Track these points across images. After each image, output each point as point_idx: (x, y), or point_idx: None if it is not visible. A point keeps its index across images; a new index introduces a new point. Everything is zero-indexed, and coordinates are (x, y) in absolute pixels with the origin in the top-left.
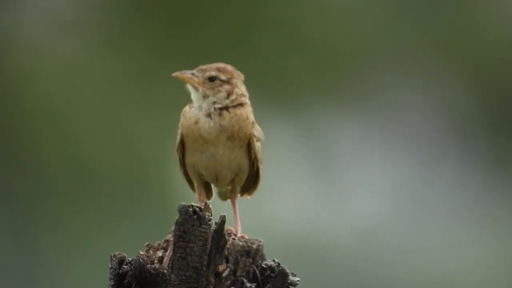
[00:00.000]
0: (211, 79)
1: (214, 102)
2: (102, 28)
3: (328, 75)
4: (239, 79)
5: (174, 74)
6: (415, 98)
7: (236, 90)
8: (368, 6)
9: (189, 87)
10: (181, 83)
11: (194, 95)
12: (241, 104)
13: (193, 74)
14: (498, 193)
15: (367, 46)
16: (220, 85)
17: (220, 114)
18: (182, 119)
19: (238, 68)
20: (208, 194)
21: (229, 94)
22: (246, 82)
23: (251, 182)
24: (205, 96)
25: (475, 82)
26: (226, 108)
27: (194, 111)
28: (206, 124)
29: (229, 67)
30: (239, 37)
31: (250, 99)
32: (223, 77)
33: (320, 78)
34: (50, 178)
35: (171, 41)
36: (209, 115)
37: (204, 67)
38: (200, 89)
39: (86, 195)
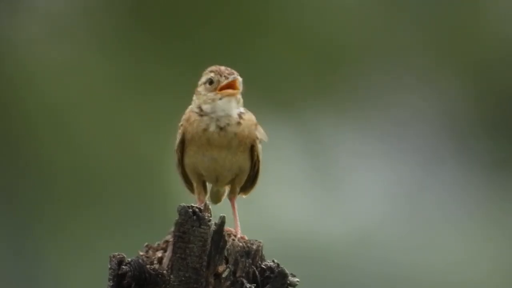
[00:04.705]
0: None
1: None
2: (100, 31)
3: (327, 78)
4: None
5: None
6: (414, 99)
7: None
8: (367, 8)
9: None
10: (179, 85)
11: (228, 102)
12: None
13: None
14: (496, 195)
15: (366, 48)
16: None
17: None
18: (186, 124)
19: (237, 71)
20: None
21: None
22: (245, 85)
23: (249, 182)
24: (238, 102)
25: (474, 83)
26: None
27: (204, 119)
28: (215, 134)
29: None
30: (238, 40)
31: (249, 102)
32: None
33: (318, 80)
34: (50, 180)
35: (169, 43)
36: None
37: (225, 69)
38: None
39: (85, 197)
